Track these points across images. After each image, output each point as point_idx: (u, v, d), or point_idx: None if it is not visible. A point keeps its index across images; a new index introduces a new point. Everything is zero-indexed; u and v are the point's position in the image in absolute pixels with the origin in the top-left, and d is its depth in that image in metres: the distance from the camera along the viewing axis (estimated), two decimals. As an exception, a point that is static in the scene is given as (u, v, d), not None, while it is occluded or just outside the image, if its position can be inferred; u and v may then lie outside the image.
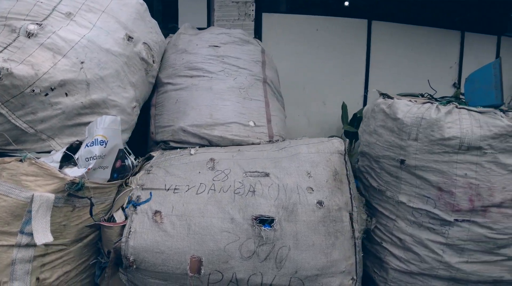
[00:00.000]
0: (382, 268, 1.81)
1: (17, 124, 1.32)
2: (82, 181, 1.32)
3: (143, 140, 2.15)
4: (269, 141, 1.92)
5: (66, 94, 1.40)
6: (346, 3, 3.04)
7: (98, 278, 1.53)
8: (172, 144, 1.90)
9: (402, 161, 1.67)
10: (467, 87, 1.67)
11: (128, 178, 1.66)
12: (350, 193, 1.61)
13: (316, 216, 1.45)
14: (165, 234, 1.42)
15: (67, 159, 1.41)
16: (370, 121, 1.91)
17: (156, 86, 2.08)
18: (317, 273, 1.42)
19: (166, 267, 1.40)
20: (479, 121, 1.53)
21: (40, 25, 1.40)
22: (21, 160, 1.27)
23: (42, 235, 1.18)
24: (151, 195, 1.53)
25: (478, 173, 1.53)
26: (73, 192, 1.32)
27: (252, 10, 2.66)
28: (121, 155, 1.56)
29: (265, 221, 1.43)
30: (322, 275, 1.43)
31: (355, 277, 1.53)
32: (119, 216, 1.48)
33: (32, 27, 1.37)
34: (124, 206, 1.50)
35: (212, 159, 1.66)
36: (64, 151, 1.38)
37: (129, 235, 1.42)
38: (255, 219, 1.42)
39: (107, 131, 1.44)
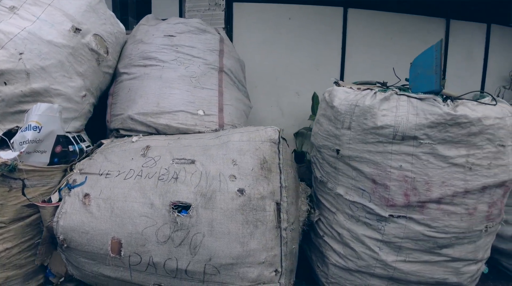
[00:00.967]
0: (324, 262, 1.75)
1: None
2: (14, 163, 1.43)
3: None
4: (216, 130, 1.92)
5: (5, 83, 1.51)
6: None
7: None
8: (122, 132, 1.97)
9: (338, 151, 1.59)
10: (411, 72, 1.52)
11: (75, 163, 1.76)
12: (280, 183, 1.56)
13: (235, 204, 1.43)
14: (91, 216, 1.49)
15: (5, 144, 1.52)
16: (317, 111, 1.83)
17: (115, 76, 2.16)
18: (232, 262, 1.41)
19: (91, 247, 1.48)
20: (416, 108, 1.40)
21: (-19, 19, 1.52)
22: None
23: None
24: (86, 179, 1.62)
25: (414, 165, 1.40)
26: (6, 173, 1.44)
27: (222, 0, 2.64)
28: (61, 141, 1.66)
29: (183, 208, 1.45)
30: (238, 264, 1.41)
31: (279, 270, 1.49)
32: (55, 197, 1.59)
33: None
34: (61, 188, 1.60)
35: (147, 147, 1.70)
36: (1, 136, 1.50)
37: (60, 215, 1.51)
38: (173, 205, 1.44)
39: (41, 118, 1.54)
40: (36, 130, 1.51)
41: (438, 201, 1.40)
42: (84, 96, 1.86)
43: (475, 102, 1.48)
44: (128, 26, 2.81)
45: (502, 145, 1.45)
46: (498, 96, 2.99)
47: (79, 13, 1.83)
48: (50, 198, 1.60)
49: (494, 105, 1.51)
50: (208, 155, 1.57)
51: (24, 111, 1.61)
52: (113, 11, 2.95)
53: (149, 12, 2.80)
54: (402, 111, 1.41)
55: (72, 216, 1.50)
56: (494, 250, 2.05)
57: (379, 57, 2.93)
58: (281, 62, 2.83)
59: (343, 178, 1.61)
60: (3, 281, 1.51)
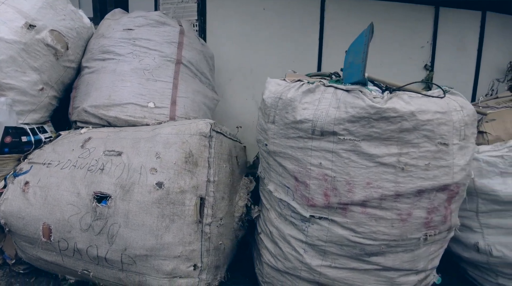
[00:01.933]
0: (260, 261, 1.69)
1: None
2: (-39, 152, 1.56)
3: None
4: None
5: (-43, 78, 1.63)
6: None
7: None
8: (78, 124, 2.05)
9: (266, 146, 1.51)
10: (345, 60, 1.38)
11: (29, 153, 1.87)
12: (208, 177, 1.52)
13: (151, 197, 1.43)
14: (27, 202, 1.58)
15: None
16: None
17: (79, 70, 2.24)
18: (146, 253, 1.41)
19: (27, 231, 1.57)
20: (339, 101, 1.27)
21: None
22: None
23: None
24: (30, 168, 1.71)
25: (335, 163, 1.28)
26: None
27: (195, -8, 2.61)
28: (10, 132, 1.77)
29: (104, 198, 1.48)
30: (153, 256, 1.42)
31: (199, 265, 1.47)
32: (1, 185, 1.70)
33: None
34: (7, 176, 1.71)
35: (89, 138, 1.76)
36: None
37: (1, 201, 1.63)
38: (95, 195, 1.48)
39: (-12, 110, 1.65)
40: (-18, 121, 1.62)
41: (363, 204, 1.27)
42: (42, 89, 1.96)
43: (414, 94, 1.31)
44: (107, 21, 2.87)
45: (444, 144, 1.27)
46: (492, 89, 2.65)
47: (34, 9, 1.92)
48: (-1, 185, 1.72)
49: (442, 98, 1.34)
50: (136, 148, 1.58)
51: (-23, 104, 1.73)
52: (93, 6, 3.07)
53: (127, 6, 2.85)
54: (324, 104, 1.29)
55: (12, 202, 1.61)
56: (459, 258, 1.85)
57: (361, 47, 2.71)
58: (256, 54, 2.74)
59: (274, 174, 1.53)
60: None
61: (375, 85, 1.47)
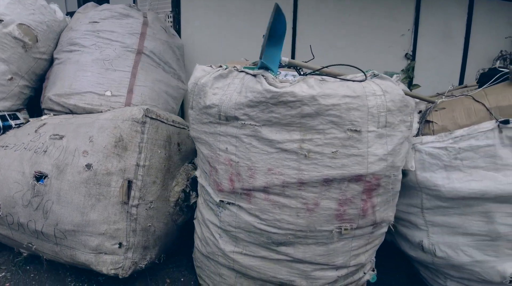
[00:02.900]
0: (194, 245, 1.73)
1: None
2: None
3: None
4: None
5: None
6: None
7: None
8: (46, 111, 2.21)
9: (189, 131, 1.54)
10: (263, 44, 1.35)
11: (-1, 137, 2.05)
12: (137, 162, 1.59)
13: (80, 177, 1.52)
14: (-15, 180, 1.75)
15: None
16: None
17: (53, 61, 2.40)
18: (74, 228, 1.52)
19: (-16, 205, 1.75)
20: (242, 85, 1.26)
21: None
22: None
23: None
24: (-7, 149, 1.89)
25: (238, 148, 1.28)
26: None
27: (168, -16, 2.66)
28: (-22, 117, 1.95)
29: (43, 177, 1.60)
30: (79, 232, 1.52)
31: (125, 244, 1.54)
32: (-31, 163, 1.89)
33: None
34: (-26, 156, 1.90)
35: (44, 124, 1.89)
36: None
37: (-34, 177, 1.81)
38: (35, 174, 1.61)
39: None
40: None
41: (265, 190, 1.26)
42: (11, 79, 2.14)
43: (329, 78, 1.27)
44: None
45: (356, 131, 1.22)
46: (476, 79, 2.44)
47: (2, 6, 2.09)
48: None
49: (360, 81, 1.28)
50: (77, 132, 1.69)
51: None
52: (78, 1, 3.24)
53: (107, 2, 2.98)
54: (231, 89, 1.29)
55: (-27, 179, 1.79)
56: (410, 257, 1.76)
57: (337, 37, 2.62)
58: (231, 45, 2.75)
59: (199, 160, 1.56)
60: None
61: (298, 70, 1.44)
